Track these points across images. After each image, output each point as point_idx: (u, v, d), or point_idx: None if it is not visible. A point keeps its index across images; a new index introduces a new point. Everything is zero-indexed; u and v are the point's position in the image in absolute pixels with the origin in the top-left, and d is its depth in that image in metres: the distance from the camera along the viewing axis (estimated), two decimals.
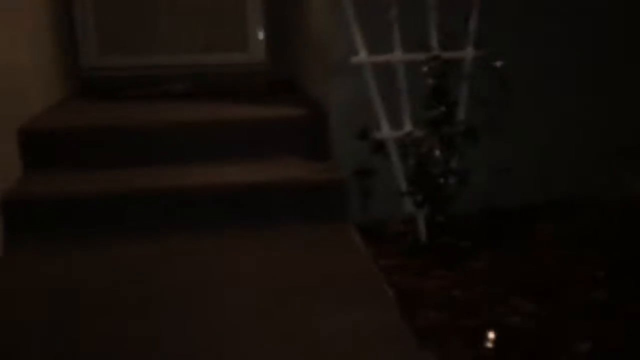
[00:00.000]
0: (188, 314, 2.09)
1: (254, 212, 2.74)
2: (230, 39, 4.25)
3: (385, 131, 2.79)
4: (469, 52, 2.82)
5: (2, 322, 2.08)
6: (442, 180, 2.67)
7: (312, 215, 2.76)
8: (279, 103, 3.37)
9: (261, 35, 4.30)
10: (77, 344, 1.93)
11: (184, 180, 2.80)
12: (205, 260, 2.48)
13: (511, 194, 3.00)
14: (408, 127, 2.78)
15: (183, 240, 2.60)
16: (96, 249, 2.54)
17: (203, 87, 4.00)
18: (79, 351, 1.91)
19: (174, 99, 3.70)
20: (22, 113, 2.99)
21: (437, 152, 2.61)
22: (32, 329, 2.04)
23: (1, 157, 2.70)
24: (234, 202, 2.74)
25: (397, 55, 2.77)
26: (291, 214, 2.75)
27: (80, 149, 2.95)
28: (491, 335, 1.95)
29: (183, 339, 1.95)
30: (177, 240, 2.60)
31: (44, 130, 2.97)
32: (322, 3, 3.11)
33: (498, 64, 2.78)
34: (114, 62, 4.15)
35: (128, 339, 1.95)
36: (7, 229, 2.59)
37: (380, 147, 2.78)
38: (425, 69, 2.70)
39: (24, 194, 2.69)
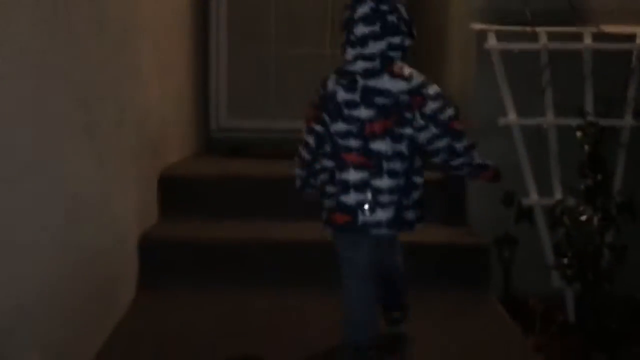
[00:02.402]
0: None
1: None
2: None
3: (534, 198, 2.62)
4: (627, 121, 2.63)
5: None
6: (596, 255, 2.44)
7: (453, 281, 2.61)
8: None
9: None
10: None
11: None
12: None
13: None
14: (558, 194, 2.59)
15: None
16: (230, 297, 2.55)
17: None
18: None
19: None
20: (163, 161, 3.07)
21: (595, 223, 2.39)
22: None
23: (142, 201, 2.74)
24: None
25: (550, 119, 2.62)
26: (431, 279, 2.59)
27: (210, 196, 2.99)
28: None
29: None
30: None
31: (181, 178, 3.03)
32: (465, 65, 3.04)
33: None
34: (240, 124, 4.24)
35: None
36: (141, 270, 2.63)
37: (525, 214, 2.60)
38: (579, 134, 2.53)
39: (158, 239, 2.72)
